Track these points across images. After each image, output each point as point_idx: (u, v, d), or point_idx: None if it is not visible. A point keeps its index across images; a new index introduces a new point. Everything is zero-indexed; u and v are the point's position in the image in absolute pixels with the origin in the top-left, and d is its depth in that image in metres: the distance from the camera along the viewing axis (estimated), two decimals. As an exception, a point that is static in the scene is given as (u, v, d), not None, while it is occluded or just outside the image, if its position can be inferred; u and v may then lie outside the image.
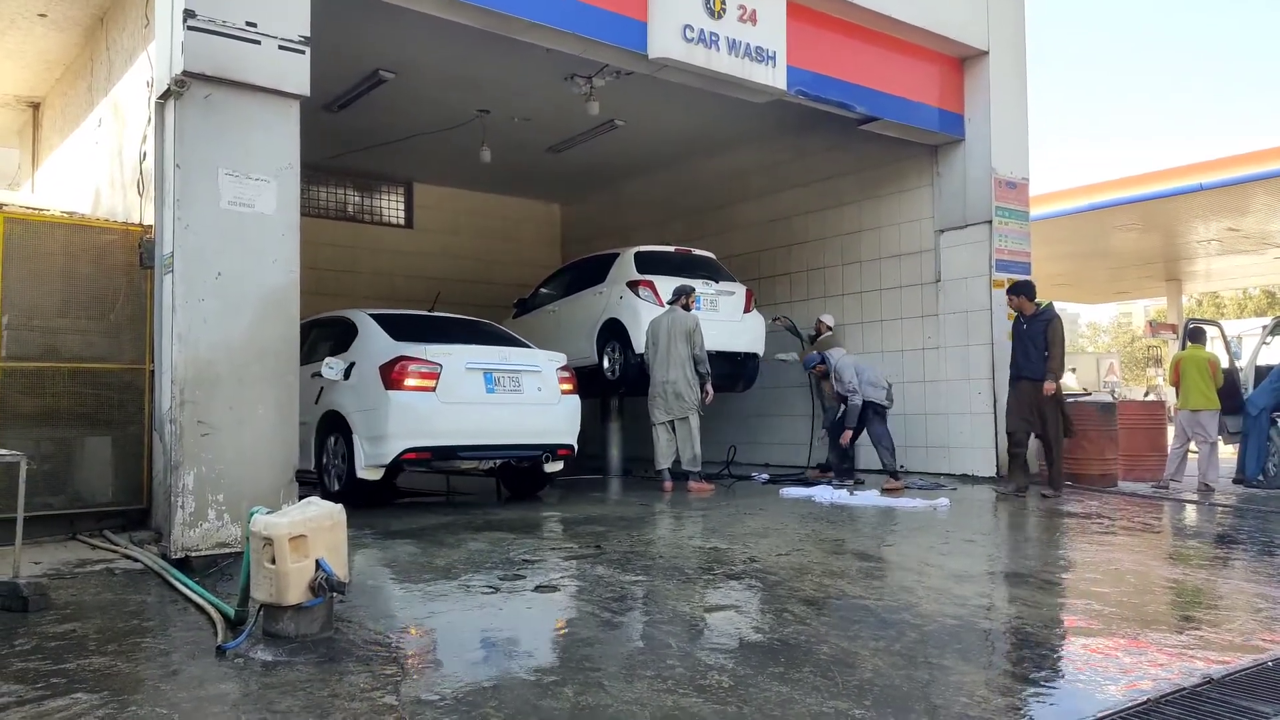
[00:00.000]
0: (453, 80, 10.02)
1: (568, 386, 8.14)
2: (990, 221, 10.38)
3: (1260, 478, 10.48)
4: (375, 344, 7.67)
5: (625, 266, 10.42)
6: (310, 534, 3.80)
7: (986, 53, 10.49)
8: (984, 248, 10.41)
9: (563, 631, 4.39)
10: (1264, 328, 12.35)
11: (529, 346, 8.44)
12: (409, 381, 7.21)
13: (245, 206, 5.61)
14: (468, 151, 11.83)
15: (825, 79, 9.35)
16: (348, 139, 12.00)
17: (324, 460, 7.81)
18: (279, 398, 5.68)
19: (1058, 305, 9.86)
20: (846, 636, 4.11)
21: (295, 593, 3.78)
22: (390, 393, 7.17)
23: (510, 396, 7.70)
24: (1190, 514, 8.56)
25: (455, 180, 14.56)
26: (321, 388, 7.79)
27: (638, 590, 4.90)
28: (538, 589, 4.90)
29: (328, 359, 7.71)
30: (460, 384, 7.42)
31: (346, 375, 7.58)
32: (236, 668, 3.59)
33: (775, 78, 8.71)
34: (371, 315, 8.16)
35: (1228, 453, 11.57)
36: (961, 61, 10.65)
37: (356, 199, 14.35)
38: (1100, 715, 3.19)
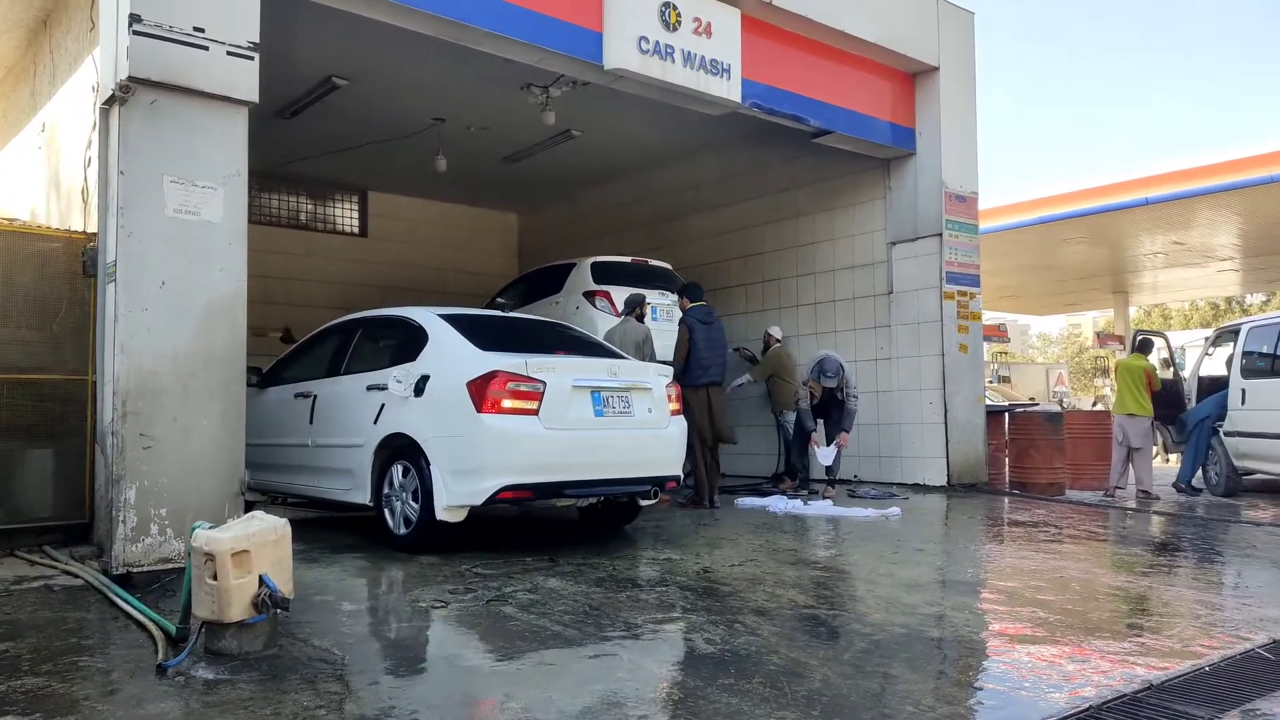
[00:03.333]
0: (407, 88, 9.96)
1: (675, 405, 6.83)
2: (941, 234, 10.54)
3: (1192, 483, 10.75)
4: (455, 353, 6.24)
5: (582, 276, 10.42)
6: (253, 549, 3.73)
7: (937, 68, 10.66)
8: (934, 260, 10.57)
9: (512, 642, 4.35)
10: (1206, 339, 12.68)
11: (625, 356, 7.19)
12: (507, 403, 5.83)
13: (191, 214, 5.52)
14: (423, 160, 11.75)
15: (780, 92, 9.44)
16: (300, 146, 11.87)
17: (384, 492, 6.39)
18: (225, 409, 5.58)
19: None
20: (797, 647, 4.13)
21: (238, 609, 3.72)
22: (483, 416, 5.77)
23: (621, 420, 6.34)
24: (1133, 522, 8.73)
25: (411, 189, 14.46)
26: (383, 404, 6.37)
27: (590, 601, 4.88)
28: (489, 602, 4.86)
29: (395, 370, 6.40)
30: (566, 406, 6.04)
31: (418, 391, 6.18)
32: (177, 686, 3.51)
33: (730, 90, 8.78)
34: (443, 316, 6.74)
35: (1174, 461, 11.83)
36: (913, 76, 10.82)
37: (310, 207, 14.18)
38: (1043, 723, 3.24)
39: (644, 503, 7.10)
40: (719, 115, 9.33)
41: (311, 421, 7.04)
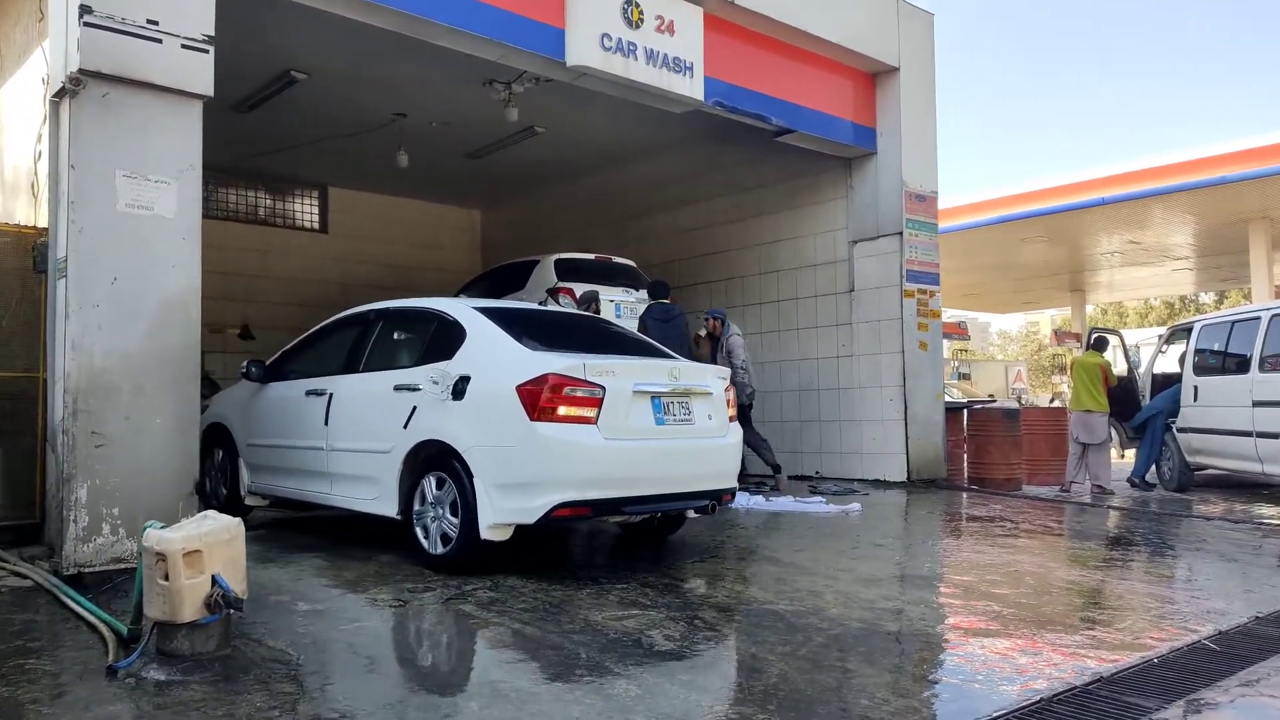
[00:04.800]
0: (367, 83, 9.86)
1: (733, 411, 6.28)
2: (901, 233, 10.64)
3: (1147, 478, 10.96)
4: (499, 352, 5.62)
5: (545, 273, 10.39)
6: (206, 549, 3.69)
7: (897, 68, 10.76)
8: (895, 258, 10.67)
9: (473, 643, 4.34)
10: (1160, 337, 12.92)
11: (676, 357, 6.58)
12: (563, 410, 5.23)
13: (144, 209, 5.42)
14: (385, 155, 11.65)
15: (742, 91, 9.48)
16: (258, 140, 11.70)
17: (416, 508, 5.69)
18: (178, 408, 5.49)
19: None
20: (755, 642, 4.16)
21: (190, 609, 3.67)
22: (537, 425, 5.17)
23: (682, 429, 5.76)
24: (1089, 517, 8.88)
25: (372, 184, 14.32)
26: (415, 407, 5.71)
27: (551, 600, 4.87)
28: (447, 600, 4.84)
29: (427, 369, 5.76)
30: (627, 413, 5.44)
31: (457, 394, 5.54)
32: (128, 688, 3.46)
33: (693, 88, 8.80)
34: (479, 309, 6.11)
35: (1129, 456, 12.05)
36: (874, 77, 10.90)
37: (268, 202, 14.00)
38: (995, 715, 3.29)
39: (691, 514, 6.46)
40: (682, 113, 9.34)
41: (326, 423, 6.32)
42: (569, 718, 3.18)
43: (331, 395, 6.36)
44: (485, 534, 5.27)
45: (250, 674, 3.60)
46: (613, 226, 13.85)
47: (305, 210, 14.39)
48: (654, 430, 5.60)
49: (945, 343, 17.69)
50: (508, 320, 5.98)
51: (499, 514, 5.24)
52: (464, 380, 5.51)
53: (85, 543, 5.12)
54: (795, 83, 10.02)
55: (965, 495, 10.07)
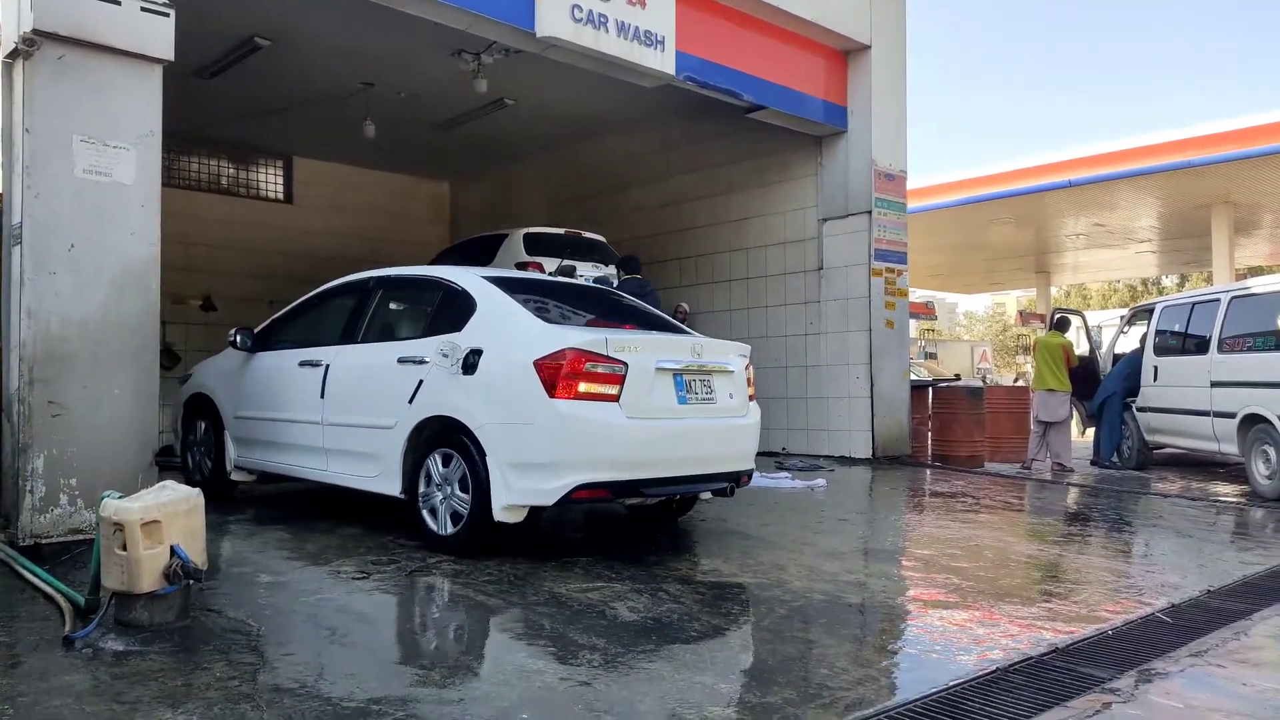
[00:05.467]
0: (333, 50, 9.70)
1: (752, 390, 6.05)
2: (870, 212, 10.68)
3: (1114, 459, 11.13)
4: (513, 325, 5.36)
5: (514, 248, 10.32)
6: (164, 519, 3.65)
7: (869, 47, 10.76)
8: (864, 237, 10.71)
9: (436, 615, 4.34)
10: (1122, 318, 13.11)
11: (695, 334, 6.33)
12: (584, 387, 4.98)
13: (102, 175, 5.31)
14: (351, 125, 11.49)
15: (714, 66, 9.43)
16: (221, 108, 11.50)
17: (422, 489, 5.43)
18: (137, 377, 5.41)
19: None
20: (719, 614, 4.19)
21: (148, 580, 3.63)
22: (557, 402, 4.92)
23: (704, 408, 5.54)
24: (1048, 494, 9.02)
25: (338, 155, 14.13)
26: (421, 381, 5.44)
27: (516, 571, 4.88)
28: (411, 573, 4.82)
29: (434, 340, 5.51)
30: (649, 391, 5.20)
31: (468, 368, 5.24)
32: (85, 658, 3.42)
33: (664, 62, 8.74)
34: (490, 279, 5.80)
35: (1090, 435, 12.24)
36: (845, 55, 10.90)
37: (232, 171, 13.77)
38: (952, 684, 3.34)
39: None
40: (653, 88, 9.28)
41: (323, 395, 6.03)
42: (531, 688, 3.19)
43: (328, 367, 6.07)
44: (499, 515, 5.02)
45: (210, 644, 3.57)
46: (584, 201, 13.78)
47: (270, 180, 14.17)
48: (676, 409, 5.37)
49: (912, 322, 17.82)
50: (520, 290, 5.73)
51: (514, 495, 4.99)
52: (475, 353, 5.23)
53: (42, 514, 5.05)
54: (767, 59, 9.99)
55: (929, 472, 10.20)
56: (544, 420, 4.94)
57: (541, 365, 4.98)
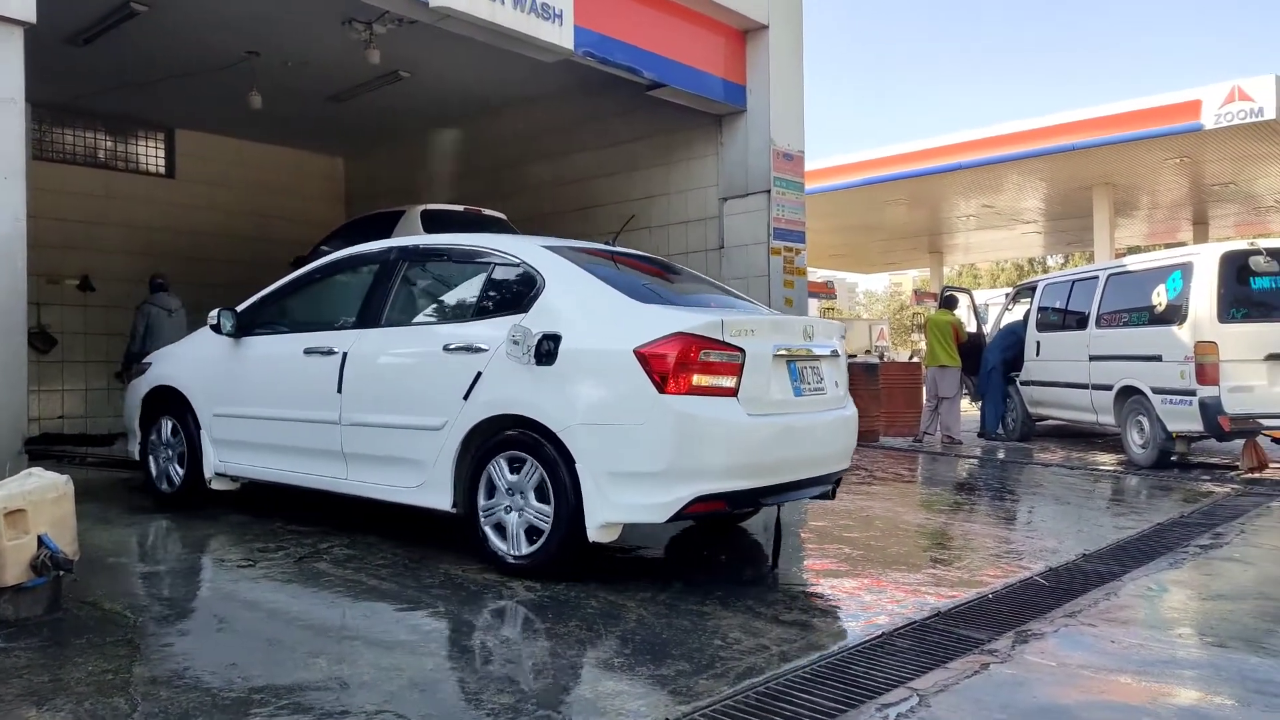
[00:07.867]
0: (216, 17, 9.26)
1: (846, 376, 5.35)
2: (769, 191, 10.80)
3: (1000, 431, 11.59)
4: (600, 304, 4.54)
5: (411, 225, 10.05)
6: (30, 508, 3.46)
7: (766, 26, 10.84)
8: (763, 216, 10.84)
9: (328, 599, 4.23)
10: (1006, 295, 13.63)
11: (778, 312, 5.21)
12: (699, 379, 4.19)
13: (-43, 144, 4.98)
14: (237, 96, 10.99)
15: (613, 42, 9.36)
16: (96, 77, 10.87)
17: (484, 503, 4.59)
18: (5, 360, 5.12)
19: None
20: (615, 590, 4.20)
21: (14, 572, 3.45)
22: (668, 399, 4.13)
23: (816, 400, 4.77)
24: (939, 465, 9.34)
25: (224, 127, 13.53)
26: (479, 373, 4.59)
27: (411, 556, 4.79)
28: (300, 560, 4.70)
29: (491, 321, 4.69)
30: (767, 382, 4.43)
31: (544, 357, 4.40)
32: (-59, 658, 3.22)
33: (562, 37, 8.63)
34: (553, 249, 4.92)
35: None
36: (744, 34, 10.96)
37: (109, 144, 13.05)
38: (840, 648, 3.42)
39: None
40: (553, 63, 9.16)
41: (340, 389, 5.12)
42: (423, 669, 3.14)
43: (345, 355, 5.14)
44: (594, 535, 4.23)
45: (83, 638, 3.41)
46: (484, 178, 13.55)
47: (150, 153, 13.49)
48: (793, 403, 4.60)
49: (813, 302, 18.18)
50: (591, 262, 4.91)
51: (614, 510, 4.19)
52: (552, 340, 4.39)
53: (-104, 506, 4.73)
54: (667, 36, 9.97)
55: (826, 447, 10.41)
56: (655, 421, 4.15)
57: (646, 354, 4.19)
